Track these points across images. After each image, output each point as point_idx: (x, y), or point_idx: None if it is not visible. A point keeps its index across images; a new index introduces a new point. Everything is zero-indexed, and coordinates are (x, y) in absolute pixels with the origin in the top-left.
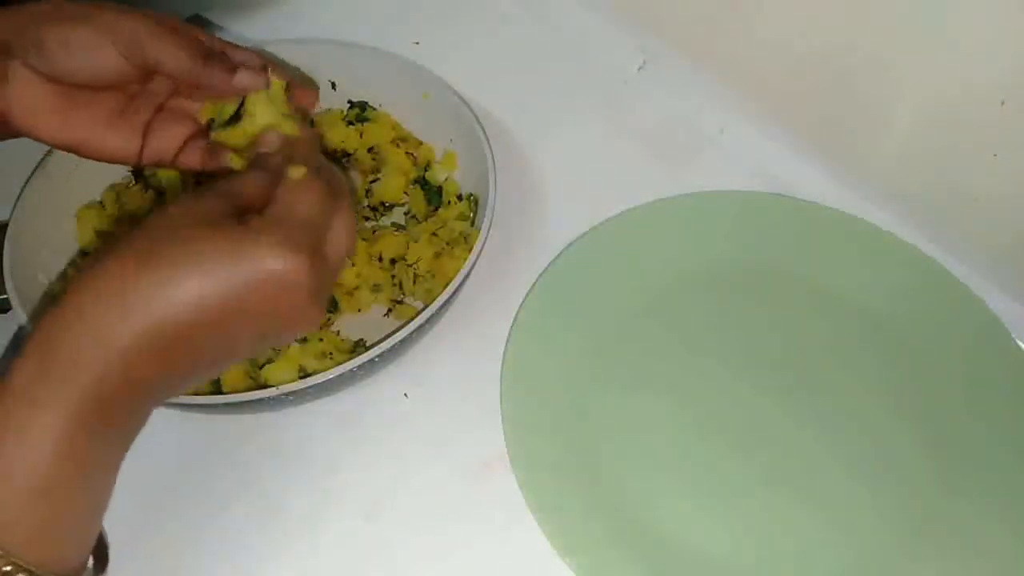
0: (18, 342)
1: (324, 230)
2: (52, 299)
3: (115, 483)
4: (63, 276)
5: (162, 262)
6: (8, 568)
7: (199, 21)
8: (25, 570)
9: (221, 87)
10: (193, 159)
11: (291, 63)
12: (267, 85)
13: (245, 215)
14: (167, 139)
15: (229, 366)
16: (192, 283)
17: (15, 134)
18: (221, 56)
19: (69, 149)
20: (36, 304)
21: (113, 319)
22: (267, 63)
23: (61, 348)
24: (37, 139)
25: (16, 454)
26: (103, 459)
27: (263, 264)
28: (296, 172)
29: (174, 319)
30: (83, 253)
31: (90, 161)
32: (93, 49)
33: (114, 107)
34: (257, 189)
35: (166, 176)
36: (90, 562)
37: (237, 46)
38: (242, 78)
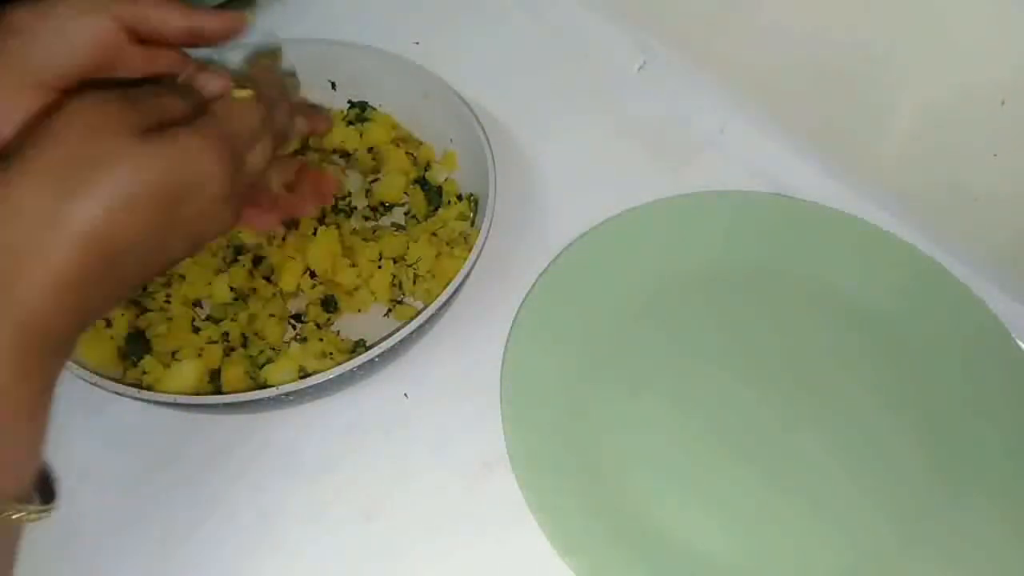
0: None
1: (250, 145)
2: None
3: (51, 405)
4: None
5: (84, 177)
6: None
7: None
8: None
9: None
10: None
11: (290, 64)
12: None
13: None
14: None
15: (160, 267)
16: (115, 188)
17: None
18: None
19: None
20: None
21: (42, 238)
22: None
23: None
24: None
25: None
26: (44, 377)
27: (187, 166)
28: (242, 93)
29: (107, 227)
30: None
31: None
32: (67, 18)
33: None
34: (182, 110)
35: None
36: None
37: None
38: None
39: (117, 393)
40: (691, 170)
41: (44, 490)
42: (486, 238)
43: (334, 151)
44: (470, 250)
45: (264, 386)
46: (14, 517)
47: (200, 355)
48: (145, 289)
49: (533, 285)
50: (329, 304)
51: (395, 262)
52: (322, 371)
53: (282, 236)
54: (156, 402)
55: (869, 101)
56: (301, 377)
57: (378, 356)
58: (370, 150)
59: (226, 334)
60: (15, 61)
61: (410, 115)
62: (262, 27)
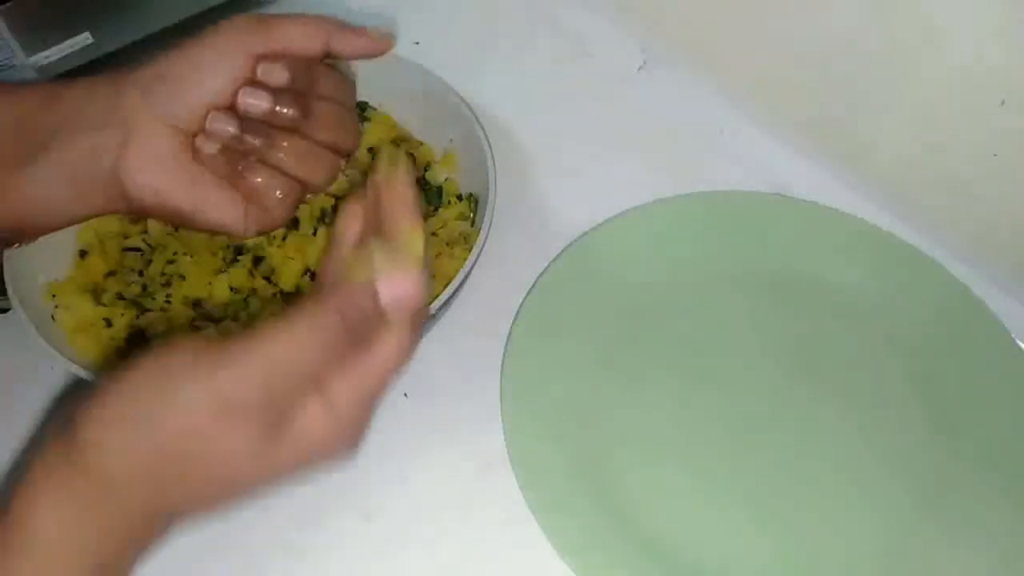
0: (18, 347)
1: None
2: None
3: None
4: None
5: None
6: None
7: None
8: None
9: (353, 49)
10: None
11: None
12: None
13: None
14: (269, 207)
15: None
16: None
17: (122, 206)
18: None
19: (187, 213)
20: (39, 317)
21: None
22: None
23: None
24: (153, 205)
25: None
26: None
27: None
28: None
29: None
30: (82, 253)
31: None
32: (207, 61)
33: (227, 166)
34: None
35: None
36: None
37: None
38: (370, 40)
39: None
40: (691, 170)
41: None
42: (486, 238)
43: None
44: (470, 250)
45: None
46: None
47: None
48: (145, 289)
49: (533, 285)
50: None
51: None
52: None
53: (282, 236)
54: None
55: (869, 101)
56: None
57: None
58: (370, 150)
59: (226, 334)
60: (158, 104)
61: (410, 115)
62: None
